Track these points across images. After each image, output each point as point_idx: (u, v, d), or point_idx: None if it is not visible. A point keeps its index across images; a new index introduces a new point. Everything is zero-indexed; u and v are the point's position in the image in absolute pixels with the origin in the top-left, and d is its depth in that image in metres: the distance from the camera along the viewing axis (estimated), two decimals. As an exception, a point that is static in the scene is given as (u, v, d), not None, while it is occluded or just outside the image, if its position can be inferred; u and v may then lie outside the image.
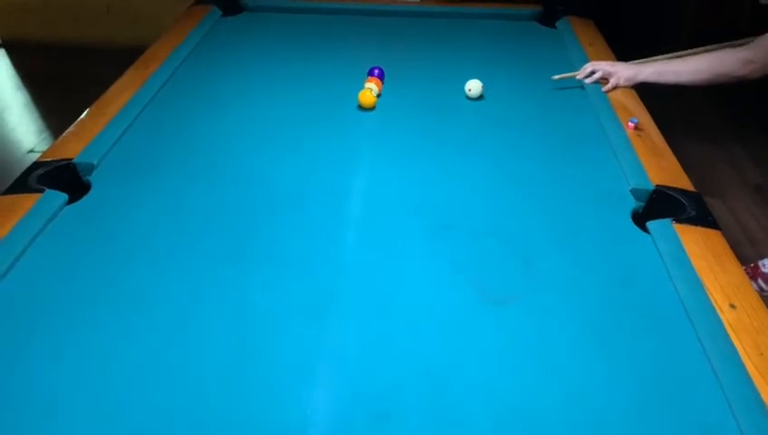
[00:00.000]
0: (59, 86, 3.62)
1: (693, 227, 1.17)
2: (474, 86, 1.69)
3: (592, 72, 1.76)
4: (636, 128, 1.50)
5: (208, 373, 0.91)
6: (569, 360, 0.95)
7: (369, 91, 1.64)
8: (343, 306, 1.04)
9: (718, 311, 0.99)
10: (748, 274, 2.18)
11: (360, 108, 1.64)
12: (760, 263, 2.24)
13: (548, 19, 2.22)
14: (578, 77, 1.77)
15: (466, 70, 1.85)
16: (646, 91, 1.73)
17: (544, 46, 2.05)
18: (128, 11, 3.99)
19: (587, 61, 1.85)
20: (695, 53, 1.69)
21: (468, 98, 1.70)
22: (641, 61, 1.79)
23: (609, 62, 1.76)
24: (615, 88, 1.72)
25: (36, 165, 1.34)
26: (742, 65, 1.57)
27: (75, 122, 1.51)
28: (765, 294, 2.22)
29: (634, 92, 1.71)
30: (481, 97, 1.70)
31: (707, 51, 1.66)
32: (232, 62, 1.91)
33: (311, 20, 2.24)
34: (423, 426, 0.85)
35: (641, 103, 1.66)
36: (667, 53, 1.85)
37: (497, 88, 1.76)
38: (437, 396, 0.89)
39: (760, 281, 2.21)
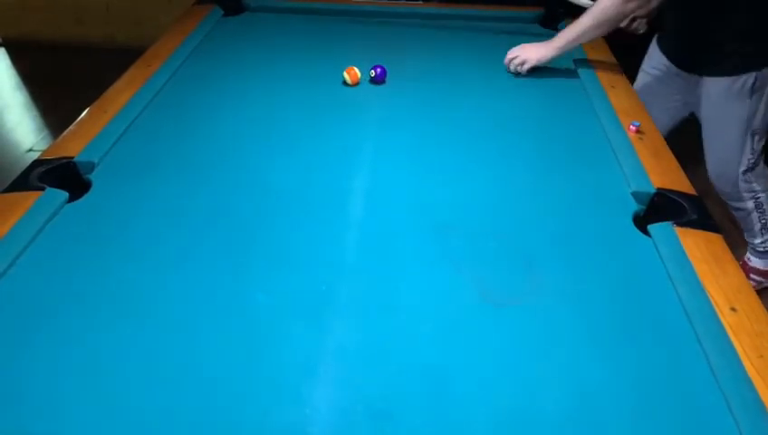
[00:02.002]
0: (58, 86, 3.62)
1: (694, 231, 1.18)
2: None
3: (512, 66, 1.84)
4: (637, 131, 1.50)
5: (209, 372, 0.91)
6: (569, 361, 0.95)
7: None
8: (345, 306, 1.04)
9: (719, 314, 0.99)
10: None
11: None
12: (745, 258, 2.25)
13: (550, 22, 2.23)
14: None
15: (468, 71, 1.86)
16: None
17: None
18: (128, 11, 3.99)
19: (588, 61, 1.86)
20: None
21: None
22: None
23: (519, 47, 1.84)
24: (530, 69, 1.81)
25: (37, 163, 1.34)
26: (623, 3, 1.65)
27: (76, 121, 1.51)
28: (760, 286, 2.23)
29: (636, 95, 1.72)
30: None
31: None
32: (233, 62, 1.91)
33: (313, 20, 2.24)
34: (424, 426, 0.84)
35: (643, 106, 1.67)
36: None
37: (499, 90, 1.77)
38: (439, 396, 0.89)
39: (752, 275, 2.23)
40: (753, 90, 1.79)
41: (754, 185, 1.99)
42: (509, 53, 1.85)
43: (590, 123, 1.60)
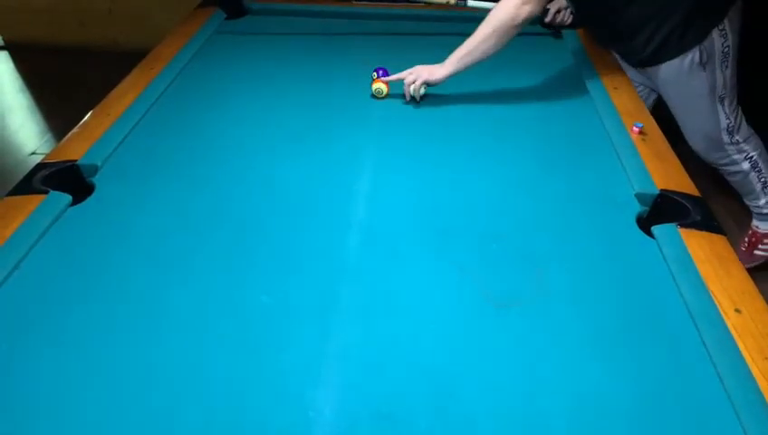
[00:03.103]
0: (62, 89, 3.62)
1: (698, 232, 1.17)
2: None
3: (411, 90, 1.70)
4: (640, 132, 1.50)
5: (212, 373, 0.91)
6: (574, 364, 0.95)
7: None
8: (348, 308, 1.04)
9: (723, 315, 0.99)
10: (752, 244, 2.19)
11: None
12: (753, 227, 2.23)
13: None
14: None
15: (470, 72, 1.85)
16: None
17: (547, 50, 2.05)
18: (131, 14, 4.00)
19: (589, 62, 1.86)
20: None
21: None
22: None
23: (411, 69, 1.70)
24: (420, 88, 1.68)
25: (40, 166, 1.34)
26: (517, 9, 1.58)
27: (79, 124, 1.51)
28: None
29: (638, 97, 1.72)
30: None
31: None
32: (236, 65, 1.91)
33: (314, 23, 2.24)
34: (429, 429, 0.84)
35: (645, 108, 1.66)
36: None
37: (501, 92, 1.76)
38: (443, 399, 0.88)
39: (766, 241, 2.20)
40: (703, 63, 1.78)
41: (743, 146, 1.98)
42: (406, 79, 1.68)
43: (592, 125, 1.60)
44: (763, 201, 2.12)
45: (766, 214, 2.16)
